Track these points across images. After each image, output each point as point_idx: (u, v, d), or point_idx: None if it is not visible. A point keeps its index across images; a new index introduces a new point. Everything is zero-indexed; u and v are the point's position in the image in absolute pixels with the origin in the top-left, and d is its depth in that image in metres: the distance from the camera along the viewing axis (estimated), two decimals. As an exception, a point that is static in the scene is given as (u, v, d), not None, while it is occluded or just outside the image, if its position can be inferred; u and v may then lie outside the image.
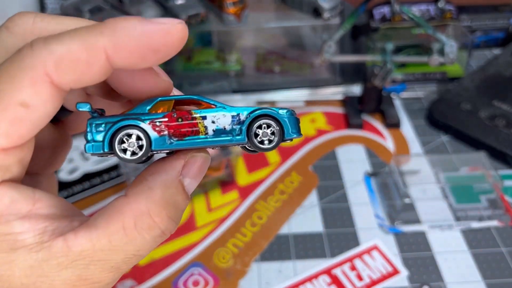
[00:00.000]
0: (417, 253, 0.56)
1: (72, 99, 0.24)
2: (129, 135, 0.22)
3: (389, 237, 0.58)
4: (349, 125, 0.75)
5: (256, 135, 0.24)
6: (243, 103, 0.80)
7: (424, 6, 0.85)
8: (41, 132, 0.20)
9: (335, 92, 0.82)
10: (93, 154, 0.22)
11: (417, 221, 0.59)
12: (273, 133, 0.24)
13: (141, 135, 0.22)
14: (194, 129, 0.23)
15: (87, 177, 0.67)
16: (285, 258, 0.56)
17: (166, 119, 0.23)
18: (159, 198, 0.21)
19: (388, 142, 0.72)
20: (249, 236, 0.58)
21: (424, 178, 0.64)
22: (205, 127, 0.23)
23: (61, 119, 0.26)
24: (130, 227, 0.21)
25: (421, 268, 0.54)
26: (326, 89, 0.83)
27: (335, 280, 0.53)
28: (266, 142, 0.24)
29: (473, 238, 0.57)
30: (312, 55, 0.85)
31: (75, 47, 0.19)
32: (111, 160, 0.69)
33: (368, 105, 0.76)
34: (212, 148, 0.25)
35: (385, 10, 0.84)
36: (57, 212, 0.21)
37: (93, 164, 0.69)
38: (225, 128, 0.23)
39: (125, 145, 0.22)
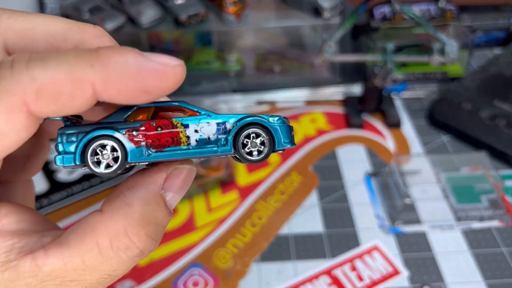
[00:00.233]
0: (417, 254, 0.56)
1: None
2: (104, 146, 0.20)
3: (389, 237, 0.58)
4: (349, 125, 0.75)
5: (244, 145, 0.22)
6: (243, 103, 0.80)
7: (425, 5, 0.85)
8: None
9: (335, 92, 0.82)
10: (65, 167, 0.20)
11: (417, 221, 0.59)
12: (262, 143, 0.22)
13: (116, 146, 0.20)
14: (175, 139, 0.21)
15: (86, 177, 0.67)
16: (285, 258, 0.56)
17: (144, 128, 0.21)
18: (137, 215, 0.20)
19: (389, 142, 0.72)
20: (249, 236, 0.58)
21: (425, 178, 0.64)
22: (187, 137, 0.21)
23: None
24: (106, 247, 0.19)
25: (422, 268, 0.54)
26: (326, 89, 0.83)
27: (335, 280, 0.53)
28: (255, 153, 0.22)
29: (473, 238, 0.57)
30: (312, 54, 0.85)
31: (60, 77, 0.17)
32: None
33: (369, 105, 0.76)
34: (200, 159, 0.23)
35: (386, 9, 0.84)
36: (26, 227, 0.19)
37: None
38: (209, 138, 0.21)
39: (99, 157, 0.20)
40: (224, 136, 0.21)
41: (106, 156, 0.20)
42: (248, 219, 0.61)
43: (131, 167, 0.23)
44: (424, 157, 0.67)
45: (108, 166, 0.20)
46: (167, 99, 0.23)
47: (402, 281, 0.53)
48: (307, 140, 0.73)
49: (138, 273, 0.54)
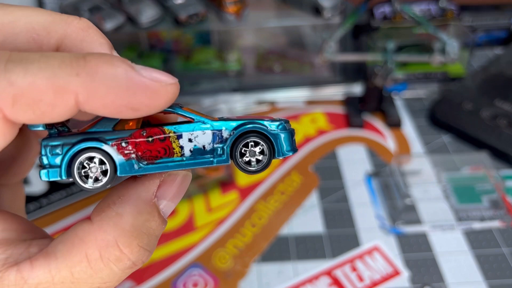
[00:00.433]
0: (418, 254, 0.56)
1: None
2: (91, 159, 0.19)
3: (390, 237, 0.57)
4: (349, 125, 0.75)
5: (242, 154, 0.20)
6: (243, 103, 0.79)
7: (425, 5, 0.85)
8: None
9: (335, 92, 0.82)
10: (50, 181, 0.20)
11: (418, 221, 0.59)
12: (262, 152, 0.20)
13: (104, 159, 0.19)
14: (168, 149, 0.20)
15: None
16: (285, 259, 0.56)
17: (134, 138, 0.19)
18: (129, 226, 0.19)
19: (389, 142, 0.72)
20: (249, 237, 0.58)
21: (425, 178, 0.64)
22: (181, 147, 0.20)
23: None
24: (95, 258, 0.18)
25: (422, 269, 0.54)
26: (326, 88, 0.82)
27: (335, 281, 0.53)
28: (253, 162, 0.20)
29: (474, 239, 0.57)
30: (313, 54, 0.85)
31: (41, 84, 0.15)
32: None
33: (369, 104, 0.76)
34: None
35: (386, 9, 0.84)
36: (12, 236, 0.18)
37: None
38: (204, 148, 0.20)
39: (86, 171, 0.19)
40: (221, 145, 0.20)
41: (94, 169, 0.19)
42: (248, 219, 0.60)
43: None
44: (424, 157, 0.67)
45: (96, 179, 0.19)
46: None
47: (402, 282, 0.53)
48: (307, 140, 0.73)
49: (138, 274, 0.54)
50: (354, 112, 0.76)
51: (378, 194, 0.63)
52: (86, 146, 0.19)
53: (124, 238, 0.18)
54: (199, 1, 0.80)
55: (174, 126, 0.20)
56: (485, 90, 0.75)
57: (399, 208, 0.60)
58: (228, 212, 0.61)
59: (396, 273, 0.54)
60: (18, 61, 0.16)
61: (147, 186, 0.20)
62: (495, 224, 0.58)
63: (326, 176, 0.66)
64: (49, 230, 0.58)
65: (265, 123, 0.20)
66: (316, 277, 0.53)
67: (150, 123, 0.22)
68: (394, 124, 0.74)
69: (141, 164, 0.19)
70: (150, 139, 0.19)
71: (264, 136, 0.20)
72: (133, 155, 0.19)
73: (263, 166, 0.20)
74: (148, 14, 0.77)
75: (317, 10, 0.80)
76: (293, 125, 0.75)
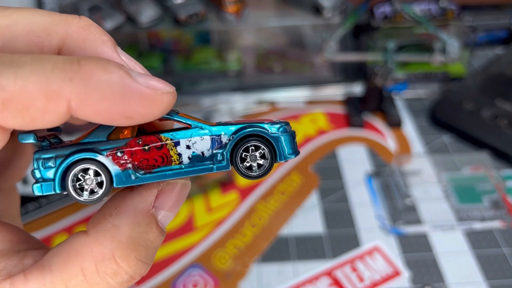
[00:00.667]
0: (418, 254, 0.55)
1: None
2: (86, 170, 0.18)
3: (390, 238, 0.57)
4: (350, 125, 0.75)
5: (243, 159, 0.20)
6: (243, 103, 0.79)
7: (426, 5, 0.85)
8: None
9: (336, 91, 0.82)
10: (44, 195, 0.19)
11: (418, 221, 0.59)
12: (263, 156, 0.20)
13: (99, 170, 0.18)
14: (165, 158, 0.19)
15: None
16: (285, 259, 0.55)
17: (129, 148, 0.19)
18: (126, 238, 0.18)
19: (390, 142, 0.72)
20: (249, 237, 0.58)
21: (426, 178, 0.63)
22: (179, 155, 0.19)
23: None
24: (91, 272, 0.17)
25: (423, 269, 0.54)
26: (326, 88, 0.82)
27: (336, 281, 0.53)
28: (255, 167, 0.20)
29: (475, 239, 0.57)
30: (313, 54, 0.85)
31: (32, 89, 0.15)
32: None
33: (369, 104, 0.75)
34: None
35: (386, 9, 0.84)
36: (6, 247, 0.18)
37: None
38: (203, 154, 0.19)
39: (81, 183, 0.18)
40: (220, 151, 0.19)
41: (89, 181, 0.18)
42: (248, 219, 0.60)
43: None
44: (425, 157, 0.67)
45: (92, 192, 0.19)
46: None
47: (403, 282, 0.53)
48: (307, 140, 0.72)
49: (137, 274, 0.54)
50: (354, 112, 0.76)
51: (378, 194, 0.63)
52: (80, 158, 0.18)
53: (121, 250, 0.18)
54: (199, 0, 0.80)
55: (171, 133, 0.19)
56: (486, 90, 0.75)
57: (399, 208, 0.59)
58: (228, 212, 0.61)
59: (396, 273, 0.53)
60: (8, 63, 0.15)
61: (145, 197, 0.19)
62: (496, 224, 0.58)
63: (326, 176, 0.66)
64: (49, 230, 0.58)
65: (265, 126, 0.20)
66: (316, 278, 0.53)
67: (146, 130, 0.21)
68: (395, 124, 0.74)
69: (138, 174, 0.19)
70: (146, 147, 0.19)
71: (265, 139, 0.20)
72: (130, 165, 0.19)
73: (265, 171, 0.20)
74: (147, 14, 0.77)
75: (317, 10, 0.80)
76: (293, 125, 0.75)
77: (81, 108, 0.16)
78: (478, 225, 0.58)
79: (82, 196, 0.19)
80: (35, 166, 0.18)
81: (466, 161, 0.65)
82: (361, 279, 0.53)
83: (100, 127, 0.19)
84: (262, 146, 0.20)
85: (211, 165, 0.19)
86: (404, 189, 0.60)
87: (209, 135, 0.19)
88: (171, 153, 0.19)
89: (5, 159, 0.22)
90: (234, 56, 0.83)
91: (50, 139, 0.19)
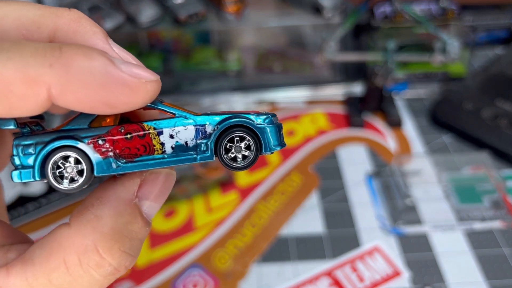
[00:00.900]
0: (419, 254, 0.55)
1: None
2: (66, 158, 0.18)
3: (390, 238, 0.57)
4: (350, 125, 0.75)
5: (227, 150, 0.19)
6: (242, 103, 0.79)
7: (426, 4, 0.85)
8: None
9: (336, 91, 0.82)
10: (24, 183, 0.18)
11: (418, 221, 0.59)
12: (248, 147, 0.19)
13: (80, 158, 0.18)
14: (148, 146, 0.19)
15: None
16: (285, 259, 0.55)
17: (111, 136, 0.18)
18: (108, 229, 0.17)
19: (390, 142, 0.72)
20: (249, 237, 0.58)
21: (426, 178, 0.63)
22: (162, 144, 0.19)
23: None
24: (74, 264, 0.17)
25: (423, 269, 0.54)
26: (327, 88, 0.82)
27: (336, 281, 0.53)
28: (239, 158, 0.19)
29: (475, 239, 0.57)
30: (313, 54, 0.85)
31: (10, 75, 0.14)
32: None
33: (370, 104, 0.75)
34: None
35: (387, 8, 0.84)
36: None
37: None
38: (187, 144, 0.19)
39: (61, 171, 0.18)
40: (204, 141, 0.19)
41: (70, 169, 0.18)
42: (248, 219, 0.60)
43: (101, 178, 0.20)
44: (425, 157, 0.67)
45: (72, 180, 0.18)
46: None
47: (403, 282, 0.52)
48: (307, 140, 0.72)
49: (137, 275, 0.54)
50: (355, 112, 0.76)
51: (378, 194, 0.63)
52: (61, 145, 0.18)
53: (104, 242, 0.17)
54: (198, 0, 0.80)
55: (154, 122, 0.19)
56: (486, 90, 0.75)
57: (399, 208, 0.59)
58: (228, 212, 0.61)
59: (396, 273, 0.53)
60: None
61: (127, 186, 0.19)
62: (496, 224, 0.58)
63: (326, 176, 0.66)
64: (49, 230, 0.58)
65: (251, 116, 0.19)
66: (316, 278, 0.53)
67: (130, 119, 0.21)
68: (395, 124, 0.74)
69: (119, 163, 0.18)
70: (128, 136, 0.19)
71: (250, 130, 0.19)
72: (111, 153, 0.18)
73: (250, 162, 0.20)
74: (147, 14, 0.77)
75: (317, 10, 0.80)
76: (293, 125, 0.75)
77: (62, 96, 0.15)
78: (478, 225, 0.58)
79: (62, 184, 0.18)
80: (15, 152, 0.18)
81: (466, 161, 0.65)
82: (361, 279, 0.53)
83: (82, 114, 0.18)
84: (248, 137, 0.19)
85: (194, 155, 0.19)
86: (404, 189, 0.59)
87: (193, 125, 0.19)
88: (154, 142, 0.19)
89: None
90: (234, 56, 0.83)
91: (31, 126, 0.19)
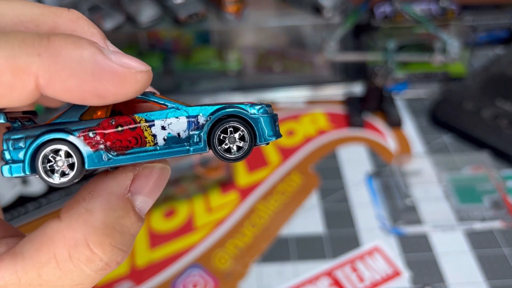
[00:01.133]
0: (419, 254, 0.55)
1: None
2: (57, 152, 0.18)
3: (390, 238, 0.57)
4: (350, 125, 0.75)
5: (221, 141, 0.19)
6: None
7: (426, 4, 0.85)
8: None
9: (336, 91, 0.82)
10: (15, 177, 0.18)
11: (419, 222, 0.59)
12: (242, 138, 0.19)
13: (71, 151, 0.18)
14: (139, 138, 0.18)
15: (85, 176, 0.66)
16: (285, 259, 0.55)
17: (102, 128, 0.18)
18: (100, 223, 0.17)
19: (390, 142, 0.72)
20: (249, 237, 0.58)
21: (426, 178, 0.63)
22: (154, 136, 0.18)
23: None
24: (64, 259, 0.17)
25: (423, 269, 0.54)
26: (327, 88, 0.82)
27: (336, 281, 0.53)
28: (234, 149, 0.19)
29: (475, 239, 0.57)
30: (313, 54, 0.85)
31: None
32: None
33: (370, 104, 0.75)
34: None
35: (387, 8, 0.84)
36: None
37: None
38: (179, 136, 0.18)
39: (52, 164, 0.18)
40: (197, 132, 0.19)
41: (60, 163, 0.18)
42: (248, 219, 0.60)
43: (93, 173, 0.20)
44: (425, 157, 0.67)
45: (63, 174, 0.18)
46: None
47: (403, 282, 0.52)
48: (307, 140, 0.72)
49: (137, 275, 0.54)
50: (355, 112, 0.76)
51: (378, 194, 0.63)
52: (51, 138, 0.18)
53: (95, 236, 0.17)
54: (198, 0, 0.80)
55: (146, 114, 0.18)
56: (486, 90, 0.75)
57: (399, 208, 0.59)
58: (228, 212, 0.61)
59: (396, 273, 0.53)
60: None
61: (120, 180, 0.18)
62: (496, 224, 0.58)
63: (327, 176, 0.66)
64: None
65: (245, 107, 0.19)
66: (316, 278, 0.53)
67: (122, 112, 0.20)
68: (395, 124, 0.74)
69: (110, 155, 0.18)
70: (119, 128, 0.18)
71: (244, 121, 0.19)
72: (102, 146, 0.18)
73: (244, 154, 0.19)
74: (147, 14, 0.77)
75: (317, 10, 0.80)
76: (293, 125, 0.75)
77: (50, 85, 0.15)
78: (478, 225, 0.58)
79: (53, 178, 0.18)
80: (5, 147, 0.18)
81: (467, 161, 0.65)
82: (361, 279, 0.53)
83: (73, 107, 0.18)
84: (242, 128, 0.19)
85: (187, 147, 0.19)
86: (404, 189, 0.59)
87: (186, 116, 0.19)
88: (146, 134, 0.18)
89: None
90: (234, 56, 0.83)
91: (23, 122, 0.19)
